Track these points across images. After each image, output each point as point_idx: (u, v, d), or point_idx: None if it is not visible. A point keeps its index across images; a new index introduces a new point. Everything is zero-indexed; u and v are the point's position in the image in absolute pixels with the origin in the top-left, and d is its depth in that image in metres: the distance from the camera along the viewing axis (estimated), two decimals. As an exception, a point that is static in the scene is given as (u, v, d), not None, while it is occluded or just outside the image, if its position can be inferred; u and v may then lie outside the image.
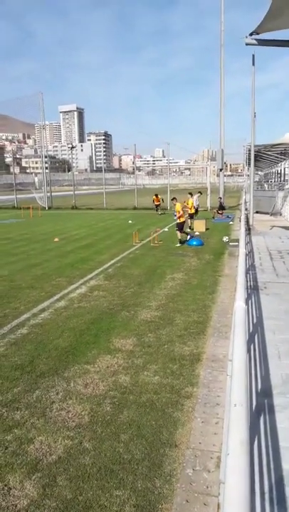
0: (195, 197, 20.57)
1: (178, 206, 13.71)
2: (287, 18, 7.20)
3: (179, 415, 3.70)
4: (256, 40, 8.26)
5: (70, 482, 2.88)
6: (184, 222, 13.73)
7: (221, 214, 22.20)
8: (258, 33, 8.10)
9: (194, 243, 13.16)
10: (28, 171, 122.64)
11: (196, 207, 19.49)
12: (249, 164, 18.92)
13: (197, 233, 15.89)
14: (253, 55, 15.38)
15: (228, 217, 21.78)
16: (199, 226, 16.84)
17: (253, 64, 15.52)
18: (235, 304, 2.35)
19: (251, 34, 8.17)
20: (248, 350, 4.48)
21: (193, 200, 18.24)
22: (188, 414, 3.72)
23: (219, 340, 5.38)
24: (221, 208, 22.94)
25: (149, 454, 3.17)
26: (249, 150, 18.10)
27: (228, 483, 0.96)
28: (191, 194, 18.02)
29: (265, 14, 6.99)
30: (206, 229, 16.94)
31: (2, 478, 2.93)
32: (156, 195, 26.36)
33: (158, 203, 26.27)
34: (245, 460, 1.02)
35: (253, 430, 2.95)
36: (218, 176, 29.16)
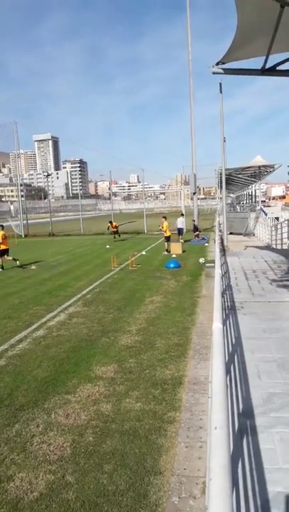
0: (181, 221, 21.27)
1: (165, 224, 17.55)
2: (251, 49, 7.65)
3: (162, 441, 3.66)
4: (222, 69, 8.67)
5: (52, 519, 2.78)
6: (169, 236, 17.40)
7: (197, 236, 22.59)
8: (223, 63, 8.52)
9: (172, 265, 13.28)
10: (3, 199, 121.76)
11: (181, 228, 20.33)
12: (221, 187, 19.48)
13: (174, 256, 16.07)
14: (220, 83, 16.16)
15: (203, 239, 22.16)
16: (176, 248, 17.06)
17: (221, 91, 16.28)
18: (212, 325, 2.40)
19: (218, 64, 8.58)
20: (228, 371, 4.51)
21: (180, 225, 19.38)
22: (172, 439, 3.68)
23: (200, 362, 5.39)
24: (196, 229, 23.37)
25: (133, 483, 3.11)
26: (220, 174, 18.69)
27: (211, 509, 0.97)
28: (165, 218, 18.42)
29: (230, 45, 7.42)
30: (183, 251, 17.16)
31: (-19, 520, 2.80)
32: (111, 222, 24.87)
33: (115, 229, 24.61)
34: (227, 484, 1.04)
35: (237, 452, 2.95)
36: (191, 199, 29.79)
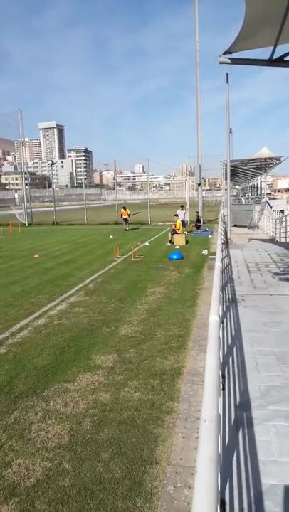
0: (182, 213, 21.11)
1: (178, 222, 17.82)
2: (258, 39, 7.52)
3: (159, 431, 3.68)
4: (229, 58, 8.54)
5: (48, 506, 2.81)
6: (176, 231, 17.54)
7: (199, 228, 22.50)
8: (230, 52, 8.38)
9: (174, 257, 13.26)
10: (7, 187, 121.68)
11: (183, 220, 20.10)
12: (226, 179, 19.33)
13: (177, 247, 16.03)
14: (227, 74, 15.91)
15: (206, 230, 22.07)
16: (179, 240, 17.01)
17: (227, 82, 16.04)
18: (209, 318, 2.39)
19: (224, 53, 8.45)
20: (227, 363, 4.52)
21: (180, 217, 19.17)
22: (169, 429, 3.70)
23: (200, 353, 5.40)
24: (199, 221, 23.27)
25: (129, 472, 3.14)
26: (226, 165, 18.52)
27: (196, 501, 0.97)
28: (177, 215, 18.80)
29: (237, 34, 7.29)
30: (186, 242, 17.12)
31: (-22, 504, 2.84)
32: (125, 208, 25.10)
33: (126, 217, 24.92)
34: (213, 476, 1.04)
35: (232, 444, 2.96)
36: (196, 190, 29.63)
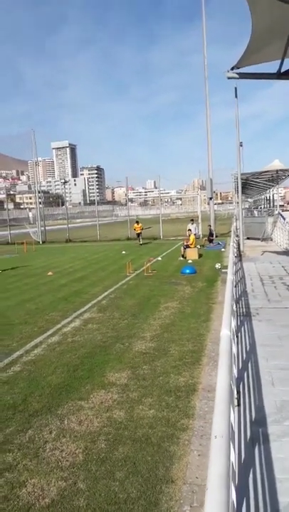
0: (193, 227, 21.10)
1: (192, 237, 17.98)
2: (266, 53, 7.61)
3: (175, 449, 3.63)
4: (237, 73, 8.64)
5: (63, 526, 2.78)
6: (189, 245, 17.50)
7: (212, 241, 22.43)
8: (238, 67, 8.49)
9: (187, 271, 13.23)
10: (22, 206, 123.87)
11: (195, 235, 20.03)
12: (238, 192, 19.35)
13: (190, 261, 16.00)
14: (236, 88, 16.09)
15: (219, 244, 21.99)
16: (192, 254, 16.98)
17: (236, 96, 16.21)
18: (221, 332, 2.38)
19: (232, 68, 8.56)
20: (242, 378, 4.45)
21: (192, 232, 19.16)
22: (185, 447, 3.65)
23: (214, 369, 5.33)
24: (211, 235, 23.22)
25: (145, 491, 3.09)
26: (237, 178, 18.55)
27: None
28: (190, 230, 19.01)
29: (244, 50, 7.40)
30: (199, 256, 17.07)
31: (-7, 525, 2.83)
32: (138, 222, 25.77)
33: (139, 232, 25.55)
34: (224, 494, 1.03)
35: (248, 461, 2.90)
36: (208, 204, 29.69)
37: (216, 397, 1.54)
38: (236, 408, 3.71)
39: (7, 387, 5.18)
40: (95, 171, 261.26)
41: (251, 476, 2.73)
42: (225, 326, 2.47)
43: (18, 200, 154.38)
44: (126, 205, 45.45)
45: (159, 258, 17.78)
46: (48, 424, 4.20)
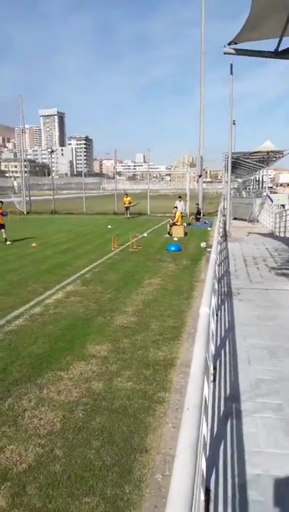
0: (181, 204, 20.84)
1: (178, 215, 17.43)
2: (264, 30, 7.44)
3: (150, 421, 3.74)
4: (234, 49, 8.45)
5: (39, 490, 2.87)
6: (176, 223, 17.20)
7: (199, 220, 22.47)
8: (236, 43, 8.29)
9: (172, 248, 13.29)
10: (7, 174, 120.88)
11: (182, 213, 19.78)
12: (227, 171, 19.27)
13: (176, 239, 16.05)
14: (231, 64, 15.79)
15: (205, 223, 22.06)
16: (178, 232, 17.02)
17: (231, 73, 15.91)
18: (200, 309, 2.42)
19: (230, 44, 8.36)
20: (219, 356, 4.57)
21: (179, 209, 18.94)
22: (160, 419, 3.77)
23: (193, 345, 5.44)
24: (198, 213, 23.23)
25: (119, 460, 3.20)
26: (228, 157, 18.45)
27: (172, 485, 1.00)
28: (176, 207, 18.68)
29: (243, 24, 7.21)
30: (185, 234, 17.13)
31: None
32: (127, 195, 26.53)
33: (128, 205, 26.23)
34: (191, 463, 1.07)
35: (220, 435, 3.02)
36: (197, 182, 29.54)
37: (190, 371, 1.58)
38: (212, 384, 3.83)
39: (-13, 356, 5.20)
40: (84, 142, 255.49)
41: (222, 448, 2.85)
42: (204, 303, 2.51)
43: (3, 168, 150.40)
44: (114, 178, 44.86)
45: (145, 234, 17.77)
46: (27, 393, 4.26)
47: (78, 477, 3.00)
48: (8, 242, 14.95)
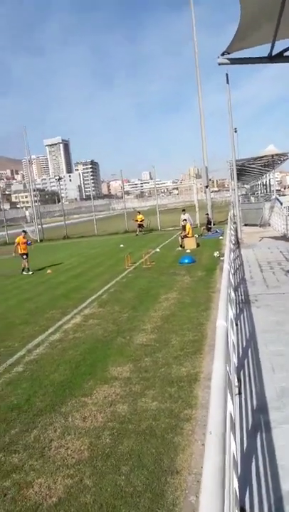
0: (186, 216, 20.55)
1: (188, 227, 17.69)
2: (256, 37, 7.49)
3: (179, 440, 3.65)
4: (228, 59, 8.53)
5: (70, 523, 2.80)
6: (187, 235, 17.32)
7: (210, 230, 22.36)
8: (228, 53, 8.37)
9: (186, 261, 13.21)
10: (18, 205, 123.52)
11: (191, 224, 19.63)
12: (233, 179, 19.24)
13: (188, 251, 15.98)
14: (227, 74, 15.94)
15: (217, 232, 21.93)
16: (190, 244, 16.95)
17: (227, 82, 16.05)
18: (217, 322, 2.37)
19: (223, 54, 8.44)
20: (242, 366, 4.46)
21: (188, 221, 18.81)
22: (189, 437, 3.67)
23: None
24: (209, 223, 23.12)
25: (150, 484, 3.11)
26: (232, 165, 18.44)
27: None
28: (185, 220, 18.78)
29: (234, 34, 7.28)
30: (197, 245, 17.05)
31: (1, 526, 2.85)
32: (139, 213, 27.13)
33: (141, 222, 26.68)
34: (219, 490, 1.02)
35: (250, 449, 2.91)
36: (205, 192, 29.53)
37: (211, 391, 1.53)
38: (237, 397, 3.73)
39: (10, 388, 5.19)
40: (90, 166, 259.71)
41: (254, 464, 2.74)
42: (220, 316, 2.45)
43: (13, 199, 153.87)
44: (122, 198, 45.29)
45: (158, 249, 17.76)
46: (52, 422, 4.22)
47: (110, 506, 2.92)
48: (30, 272, 15.09)
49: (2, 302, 10.58)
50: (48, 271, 15.08)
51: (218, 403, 1.47)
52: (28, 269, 15.24)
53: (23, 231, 17.37)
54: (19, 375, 5.62)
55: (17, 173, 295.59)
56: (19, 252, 15.34)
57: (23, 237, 15.76)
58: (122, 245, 21.40)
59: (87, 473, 3.34)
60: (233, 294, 5.30)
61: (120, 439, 3.76)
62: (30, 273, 15.05)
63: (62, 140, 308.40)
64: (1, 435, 4.09)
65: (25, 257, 15.31)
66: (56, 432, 4.02)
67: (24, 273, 15.09)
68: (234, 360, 3.70)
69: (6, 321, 8.57)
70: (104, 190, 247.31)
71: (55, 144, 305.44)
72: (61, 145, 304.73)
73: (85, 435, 3.91)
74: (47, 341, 6.93)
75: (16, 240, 15.77)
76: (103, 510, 2.90)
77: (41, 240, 33.15)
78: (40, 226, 34.43)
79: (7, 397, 4.94)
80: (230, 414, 2.10)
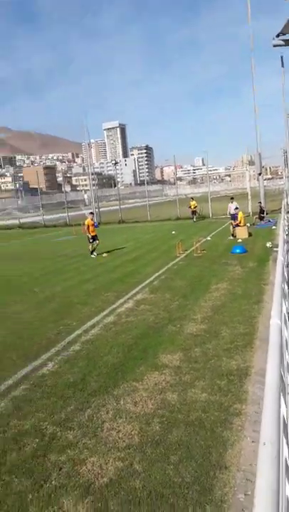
0: (234, 205, 19.39)
1: (240, 215, 16.86)
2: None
3: (228, 434, 3.63)
4: (283, 40, 8.15)
5: (121, 507, 2.90)
6: (239, 224, 16.71)
7: (263, 219, 21.53)
8: (284, 34, 8.00)
9: (238, 251, 12.90)
10: (78, 188, 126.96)
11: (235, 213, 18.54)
12: (287, 166, 18.30)
13: (240, 240, 15.56)
14: (282, 57, 15.08)
15: (270, 221, 21.10)
16: (242, 233, 16.47)
17: (282, 65, 15.21)
18: (270, 321, 2.28)
19: (278, 35, 8.08)
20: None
21: (241, 215, 17.67)
22: (238, 433, 3.64)
23: (267, 353, 5.21)
24: (262, 212, 22.26)
25: (199, 477, 3.13)
26: (285, 152, 17.54)
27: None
28: (237, 208, 17.97)
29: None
30: (249, 235, 16.52)
31: (57, 500, 3.02)
32: (192, 199, 27.37)
33: (194, 209, 26.67)
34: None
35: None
36: (257, 180, 28.41)
37: (264, 398, 1.49)
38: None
39: (68, 366, 5.44)
40: (145, 151, 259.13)
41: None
42: (274, 314, 2.36)
43: (74, 182, 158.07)
44: (175, 184, 44.88)
45: (209, 238, 17.47)
46: (105, 404, 4.37)
47: (158, 494, 2.99)
48: (94, 254, 15.19)
49: (63, 282, 11.04)
50: (104, 254, 15.32)
51: (271, 412, 1.41)
52: (93, 251, 15.31)
53: (91, 213, 17.55)
54: (76, 353, 5.87)
55: (77, 156, 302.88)
56: (90, 233, 15.33)
57: (91, 219, 15.86)
58: (173, 232, 21.32)
59: (137, 458, 3.44)
60: (287, 289, 5.09)
61: (170, 428, 3.81)
62: (93, 256, 15.11)
63: (120, 124, 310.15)
64: (57, 411, 4.31)
65: (96, 239, 15.35)
66: (108, 414, 4.16)
67: (93, 256, 15.11)
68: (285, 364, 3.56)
69: (67, 300, 8.98)
70: (158, 176, 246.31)
71: (113, 128, 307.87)
72: (118, 129, 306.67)
73: (136, 420, 4.01)
74: (102, 323, 7.15)
75: (86, 222, 15.68)
76: (152, 497, 2.97)
77: (98, 223, 33.86)
78: (97, 210, 35.11)
79: (64, 375, 5.18)
80: (284, 420, 2.03)
